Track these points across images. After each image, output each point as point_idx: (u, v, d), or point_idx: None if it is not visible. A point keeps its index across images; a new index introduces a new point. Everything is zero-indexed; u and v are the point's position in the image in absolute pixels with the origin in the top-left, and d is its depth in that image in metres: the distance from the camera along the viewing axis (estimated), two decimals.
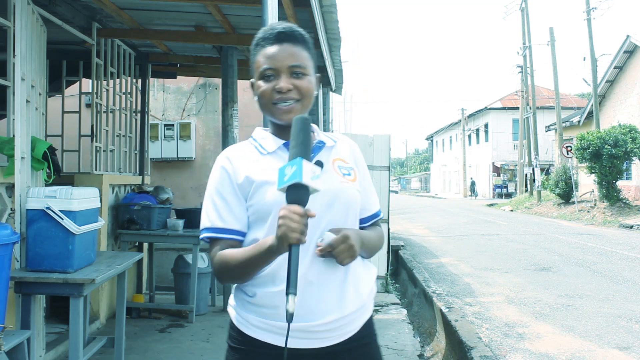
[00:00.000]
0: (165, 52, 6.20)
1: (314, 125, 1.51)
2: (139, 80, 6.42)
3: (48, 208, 3.16)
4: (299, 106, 1.42)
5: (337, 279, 1.39)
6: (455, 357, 4.26)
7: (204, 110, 8.59)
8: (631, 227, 13.68)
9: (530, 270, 7.63)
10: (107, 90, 5.56)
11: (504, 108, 38.34)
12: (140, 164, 6.37)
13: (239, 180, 1.42)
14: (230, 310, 1.49)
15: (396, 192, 57.52)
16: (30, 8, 3.65)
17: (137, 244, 5.97)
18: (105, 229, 5.18)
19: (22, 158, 3.39)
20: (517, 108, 32.79)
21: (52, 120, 5.39)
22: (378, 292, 3.15)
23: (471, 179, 40.99)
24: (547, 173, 26.02)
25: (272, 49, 1.43)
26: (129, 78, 6.10)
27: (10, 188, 3.40)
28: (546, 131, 28.25)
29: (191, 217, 5.69)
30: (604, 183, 16.55)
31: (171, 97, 8.65)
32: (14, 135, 3.34)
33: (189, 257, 5.63)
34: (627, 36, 19.81)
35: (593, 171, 16.70)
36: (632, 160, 16.85)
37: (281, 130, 1.46)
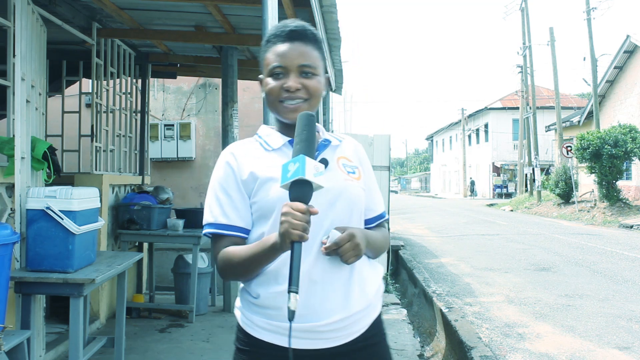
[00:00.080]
0: (165, 52, 6.20)
1: (319, 125, 1.51)
2: (139, 80, 6.42)
3: (48, 208, 3.16)
4: (305, 105, 1.42)
5: (342, 278, 1.38)
6: (455, 357, 4.26)
7: (204, 110, 8.59)
8: (631, 227, 13.68)
9: (530, 270, 7.63)
10: (107, 90, 5.56)
11: (504, 108, 38.34)
12: (140, 164, 6.37)
13: (243, 177, 1.41)
14: (237, 311, 1.48)
15: (396, 192, 57.51)
16: (30, 8, 3.65)
17: (137, 244, 5.97)
18: (105, 229, 5.18)
19: (22, 158, 3.39)
20: (517, 108, 32.79)
21: (52, 120, 5.39)
22: None
23: (470, 178, 40.99)
24: (547, 173, 26.02)
25: (282, 47, 1.43)
26: (129, 78, 6.10)
27: (10, 188, 3.40)
28: (546, 131, 28.25)
29: (191, 217, 5.68)
30: (604, 183, 16.55)
31: (171, 97, 8.65)
32: (14, 135, 3.34)
33: (189, 257, 5.63)
34: (627, 36, 19.81)
35: (593, 171, 16.70)
36: (632, 160, 16.85)
37: (286, 128, 1.45)
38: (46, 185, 3.71)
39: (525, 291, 6.23)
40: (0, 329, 2.58)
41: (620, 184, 17.00)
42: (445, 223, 16.17)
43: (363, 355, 1.42)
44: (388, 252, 7.43)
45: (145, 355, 4.28)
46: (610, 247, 10.11)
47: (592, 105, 20.64)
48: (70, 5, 4.71)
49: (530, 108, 25.91)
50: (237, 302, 1.49)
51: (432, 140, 59.41)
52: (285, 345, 1.32)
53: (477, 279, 7.01)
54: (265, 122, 2.73)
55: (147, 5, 4.65)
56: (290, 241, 1.21)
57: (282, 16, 3.53)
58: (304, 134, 1.28)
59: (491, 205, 26.87)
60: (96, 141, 5.19)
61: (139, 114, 6.40)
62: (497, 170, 38.12)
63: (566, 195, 19.47)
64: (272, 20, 2.77)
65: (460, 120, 43.51)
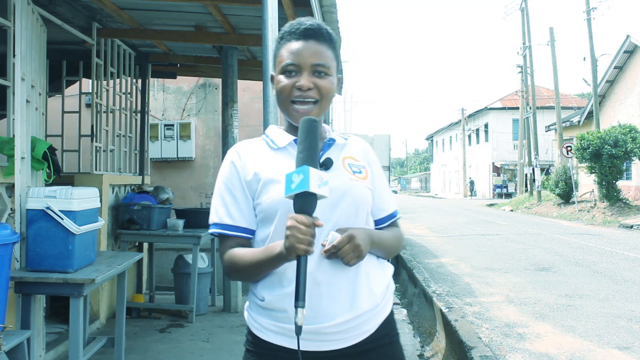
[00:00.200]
0: (165, 52, 6.20)
1: (325, 125, 1.51)
2: (139, 80, 6.42)
3: (48, 208, 3.16)
4: (316, 109, 1.41)
5: (348, 278, 1.36)
6: (455, 357, 4.26)
7: (204, 110, 8.59)
8: (631, 227, 13.68)
9: (530, 270, 7.63)
10: (107, 90, 5.56)
11: (504, 108, 38.34)
12: (140, 164, 6.37)
13: (248, 177, 1.41)
14: (245, 314, 1.49)
15: (396, 192, 57.52)
16: (30, 8, 3.65)
17: (137, 244, 5.97)
18: (105, 229, 5.18)
19: (22, 158, 3.39)
20: (517, 108, 32.78)
21: (52, 120, 5.39)
22: None
23: (470, 178, 41.00)
24: (547, 173, 26.01)
25: (297, 45, 1.41)
26: (129, 78, 6.10)
27: (10, 188, 3.40)
28: (546, 131, 28.25)
29: (191, 217, 5.69)
30: (604, 183, 16.54)
31: (171, 97, 8.65)
32: (14, 135, 3.34)
33: (189, 257, 5.63)
34: (627, 36, 19.81)
35: (593, 171, 16.70)
36: (632, 160, 16.85)
37: (294, 128, 1.44)
38: (46, 185, 3.71)
39: (525, 291, 6.23)
40: (0, 329, 2.58)
41: (620, 184, 17.00)
42: (445, 223, 16.17)
43: (373, 357, 1.41)
44: None
45: (145, 355, 4.28)
46: (610, 247, 10.11)
47: (592, 105, 20.64)
48: (70, 5, 4.71)
49: (530, 108, 25.91)
50: (246, 304, 1.50)
51: (432, 140, 59.41)
52: (292, 347, 1.33)
53: (477, 279, 7.01)
54: (265, 122, 2.73)
55: (147, 5, 4.66)
56: (296, 255, 1.22)
57: (282, 16, 3.53)
58: (307, 141, 1.27)
59: (491, 205, 26.86)
60: (96, 141, 5.19)
61: (139, 114, 6.40)
62: (497, 170, 38.12)
63: (566, 195, 19.47)
64: (272, 20, 2.77)
65: (460, 120, 43.51)
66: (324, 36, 1.43)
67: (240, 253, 1.38)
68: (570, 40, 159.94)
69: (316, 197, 1.23)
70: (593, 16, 20.47)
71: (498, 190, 36.89)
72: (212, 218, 1.44)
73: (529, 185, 26.56)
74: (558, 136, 22.91)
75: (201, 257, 5.71)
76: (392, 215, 1.55)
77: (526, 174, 27.82)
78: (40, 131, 3.97)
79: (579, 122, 23.54)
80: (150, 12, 4.87)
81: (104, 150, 5.39)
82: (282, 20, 2.45)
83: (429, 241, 11.47)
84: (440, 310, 5.16)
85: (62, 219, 3.16)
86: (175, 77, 7.47)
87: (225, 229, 1.41)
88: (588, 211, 16.96)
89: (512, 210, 22.85)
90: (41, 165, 3.61)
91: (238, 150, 1.47)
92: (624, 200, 16.56)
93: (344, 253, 1.30)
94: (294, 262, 1.24)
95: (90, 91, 5.61)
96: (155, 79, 7.99)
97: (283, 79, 1.41)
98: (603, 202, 16.75)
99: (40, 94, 3.92)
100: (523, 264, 8.17)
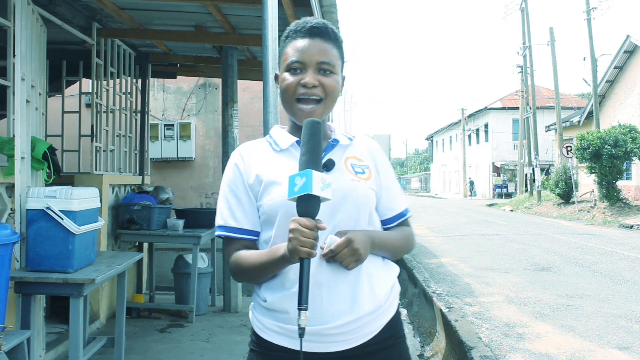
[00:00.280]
0: (165, 52, 6.20)
1: (330, 124, 1.51)
2: (139, 80, 6.42)
3: (48, 208, 3.16)
4: (320, 108, 1.40)
5: (349, 280, 1.36)
6: (455, 357, 4.26)
7: (204, 110, 8.59)
8: (631, 227, 13.68)
9: (530, 270, 7.63)
10: (107, 90, 5.56)
11: (504, 108, 38.34)
12: (140, 164, 6.37)
13: (250, 179, 1.42)
14: (250, 314, 1.49)
15: None
16: (30, 8, 3.65)
17: (137, 244, 5.97)
18: (105, 229, 5.18)
19: (22, 158, 3.39)
20: (517, 108, 32.78)
21: (52, 120, 5.39)
22: None
23: (470, 179, 41.00)
24: (547, 173, 26.01)
25: (302, 42, 1.41)
26: (129, 78, 6.10)
27: (10, 188, 3.40)
28: (546, 131, 28.25)
29: (191, 217, 5.69)
30: (604, 183, 16.54)
31: (171, 97, 8.65)
32: (14, 135, 3.34)
33: (189, 257, 5.63)
34: (627, 36, 19.81)
35: (593, 171, 16.70)
36: (632, 160, 16.84)
37: (298, 129, 1.43)
38: (46, 185, 3.71)
39: (525, 291, 6.23)
40: (0, 329, 2.58)
41: (620, 184, 17.00)
42: (445, 223, 16.17)
43: (378, 358, 1.40)
44: None
45: (145, 355, 4.28)
46: (610, 247, 10.11)
47: (592, 105, 20.64)
48: (70, 5, 4.71)
49: (530, 108, 25.91)
50: (251, 305, 1.50)
51: (432, 140, 59.41)
52: (293, 347, 1.33)
53: (477, 279, 7.01)
54: (265, 122, 2.73)
55: (147, 5, 4.66)
56: (299, 257, 1.22)
57: (282, 16, 3.53)
58: (310, 143, 1.27)
59: (491, 205, 26.86)
60: (96, 141, 5.19)
61: (139, 114, 6.40)
62: (497, 170, 38.12)
63: (566, 195, 19.47)
64: (272, 20, 2.77)
65: (460, 120, 43.51)
66: (330, 35, 1.43)
67: (245, 255, 1.39)
68: (570, 40, 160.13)
69: (319, 199, 1.23)
70: (593, 16, 20.49)
71: (498, 190, 36.89)
72: (218, 220, 1.45)
73: (529, 185, 26.56)
74: (558, 136, 22.91)
75: (201, 257, 5.71)
76: (401, 215, 1.52)
77: (526, 174, 27.82)
78: (40, 131, 3.97)
79: (579, 122, 23.54)
80: (150, 12, 4.87)
81: (104, 150, 5.39)
82: (282, 20, 2.46)
83: (429, 241, 11.47)
84: (440, 310, 5.16)
85: (62, 219, 3.16)
86: (175, 77, 7.47)
87: (230, 231, 1.42)
88: (588, 211, 16.96)
89: (512, 210, 22.85)
90: (41, 165, 3.61)
91: (241, 152, 1.47)
92: (624, 200, 16.56)
93: (342, 257, 1.30)
94: (296, 264, 1.25)
95: (90, 91, 5.61)
96: (155, 79, 7.99)
97: (288, 77, 1.41)
98: (603, 202, 16.75)
99: (40, 94, 3.92)
100: (523, 264, 8.17)
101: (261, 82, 4.04)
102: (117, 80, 5.86)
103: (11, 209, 3.40)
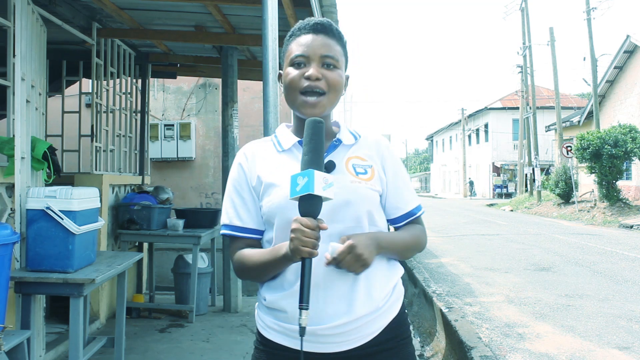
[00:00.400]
0: (165, 52, 6.20)
1: (337, 121, 1.52)
2: (139, 80, 6.42)
3: (48, 208, 3.16)
4: (324, 100, 1.40)
5: (346, 282, 1.36)
6: (455, 357, 4.26)
7: (204, 110, 8.59)
8: (631, 227, 13.68)
9: (530, 270, 7.63)
10: (107, 90, 5.56)
11: (504, 108, 38.34)
12: (140, 164, 6.37)
13: (253, 179, 1.44)
14: (255, 312, 1.51)
15: None
16: (30, 8, 3.65)
17: (137, 244, 5.97)
18: (105, 229, 5.18)
19: (22, 158, 3.39)
20: (517, 108, 32.78)
21: (52, 120, 5.39)
22: None
23: (469, 179, 40.99)
24: (547, 173, 26.02)
25: (306, 38, 1.42)
26: (129, 78, 6.10)
27: (10, 188, 3.40)
28: (546, 131, 28.25)
29: (191, 217, 5.69)
30: (604, 183, 16.54)
31: (171, 97, 8.65)
32: (14, 135, 3.34)
33: (189, 257, 5.63)
34: (627, 36, 19.81)
35: (593, 171, 16.70)
36: (632, 160, 16.84)
37: (302, 128, 1.40)
38: (46, 185, 3.71)
39: (525, 291, 6.23)
40: (0, 329, 2.58)
41: (620, 184, 17.00)
42: (445, 223, 16.17)
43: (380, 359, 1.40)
44: None
45: (145, 355, 4.28)
46: (610, 247, 10.11)
47: (592, 105, 20.64)
48: (70, 5, 4.71)
49: (530, 108, 25.91)
50: (256, 304, 1.52)
51: (432, 140, 59.41)
52: (292, 346, 1.35)
53: (477, 279, 7.01)
54: (265, 122, 2.73)
55: (147, 5, 4.66)
56: (300, 257, 1.23)
57: (282, 16, 3.53)
58: (312, 143, 1.28)
59: (491, 205, 26.85)
60: (96, 141, 5.19)
61: (139, 114, 6.40)
62: (497, 170, 38.12)
63: (566, 195, 19.47)
64: (272, 20, 2.77)
65: (460, 120, 43.51)
66: (334, 32, 1.44)
67: (248, 254, 1.41)
68: (570, 40, 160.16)
69: (321, 199, 1.24)
70: (593, 16, 20.48)
71: (498, 190, 36.89)
72: (223, 219, 1.47)
73: (529, 185, 26.55)
74: (558, 136, 22.91)
75: (201, 257, 5.71)
76: (410, 214, 1.49)
77: (526, 174, 27.82)
78: (40, 131, 3.97)
79: (579, 122, 23.54)
80: (150, 12, 4.87)
81: (104, 150, 5.39)
82: (282, 20, 2.46)
83: (428, 241, 11.44)
84: (440, 310, 5.16)
85: (62, 219, 3.16)
86: (175, 77, 7.47)
87: (234, 230, 1.44)
88: (588, 211, 16.96)
89: (512, 210, 22.85)
90: (41, 165, 3.61)
91: (245, 151, 1.49)
92: (624, 200, 16.56)
93: (346, 264, 1.29)
94: (296, 265, 1.26)
95: (90, 91, 5.61)
96: (155, 79, 7.99)
97: (292, 71, 1.41)
98: (603, 202, 16.75)
99: (40, 94, 3.92)
100: (523, 264, 8.17)
101: (261, 82, 4.05)
102: (117, 80, 5.86)
103: (11, 209, 3.40)
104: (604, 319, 4.98)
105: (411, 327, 5.42)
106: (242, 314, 5.68)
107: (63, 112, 6.04)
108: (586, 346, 4.18)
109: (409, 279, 7.57)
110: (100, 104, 5.39)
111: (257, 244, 1.45)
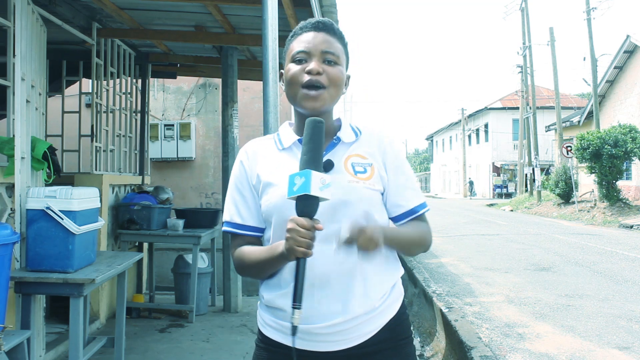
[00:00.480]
0: (165, 52, 6.20)
1: (339, 118, 1.52)
2: (139, 80, 6.42)
3: (48, 208, 3.16)
4: (326, 94, 1.40)
5: (341, 282, 1.36)
6: (455, 357, 4.26)
7: (204, 110, 8.59)
8: (631, 227, 13.68)
9: (530, 270, 7.63)
10: (107, 90, 5.56)
11: (504, 108, 38.33)
12: (140, 164, 6.37)
13: (253, 179, 1.45)
14: (257, 310, 1.53)
15: None
16: (30, 8, 3.65)
17: (137, 244, 5.97)
18: (105, 229, 5.18)
19: (22, 158, 3.39)
20: (517, 108, 32.78)
21: (52, 120, 5.39)
22: None
23: (469, 179, 40.98)
24: (547, 173, 26.01)
25: (307, 35, 1.43)
26: (129, 78, 6.10)
27: (10, 188, 3.40)
28: (546, 131, 28.24)
29: (191, 217, 5.69)
30: (604, 183, 16.54)
31: (171, 97, 8.65)
32: (14, 135, 3.34)
33: (189, 257, 5.63)
34: (627, 36, 19.80)
35: (593, 171, 16.70)
36: (632, 160, 16.84)
37: (303, 124, 1.38)
38: (46, 185, 3.71)
39: (525, 291, 6.23)
40: (0, 329, 2.58)
41: (620, 184, 16.99)
42: (445, 223, 16.17)
43: (378, 359, 1.40)
44: None
45: (145, 355, 4.28)
46: (610, 247, 10.11)
47: (592, 105, 20.64)
48: (70, 5, 4.71)
49: (530, 108, 25.91)
50: (259, 302, 1.54)
51: (432, 140, 59.40)
52: (287, 344, 1.36)
53: (477, 279, 7.01)
54: (265, 122, 2.73)
55: (147, 5, 4.66)
56: (295, 257, 1.24)
57: (282, 16, 3.53)
58: (311, 143, 1.28)
59: (491, 205, 26.85)
60: (96, 141, 5.19)
61: (139, 114, 6.40)
62: (497, 170, 38.12)
63: (566, 195, 19.47)
64: (272, 20, 2.77)
65: (460, 120, 43.50)
66: (335, 31, 1.45)
67: (247, 251, 1.42)
68: (570, 40, 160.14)
69: (318, 199, 1.24)
70: (593, 16, 20.48)
71: (498, 190, 36.89)
72: (225, 216, 1.49)
73: (529, 185, 26.55)
74: (558, 136, 22.91)
75: (201, 257, 5.71)
76: (412, 212, 1.48)
77: (526, 174, 27.82)
78: (40, 131, 3.97)
79: (579, 122, 23.54)
80: (150, 12, 4.87)
81: (104, 150, 5.39)
82: (282, 20, 2.46)
83: None
84: (440, 310, 5.16)
85: (62, 219, 3.16)
86: (175, 77, 7.48)
87: (234, 227, 1.46)
88: (588, 211, 16.96)
89: (512, 210, 22.85)
90: (41, 165, 3.61)
91: (247, 149, 1.50)
92: (624, 200, 16.56)
93: (361, 242, 1.25)
94: (291, 263, 1.27)
95: (90, 91, 5.61)
96: (155, 79, 7.99)
97: (293, 67, 1.42)
98: (603, 202, 16.75)
99: (40, 94, 3.92)
100: (523, 264, 8.17)
101: (261, 82, 4.05)
102: (117, 80, 5.86)
103: (11, 209, 3.40)
104: (604, 319, 4.98)
105: (411, 327, 5.43)
106: (242, 314, 5.68)
107: (63, 112, 6.04)
108: (586, 346, 4.18)
109: (409, 279, 7.56)
110: (100, 104, 5.39)
111: (258, 241, 1.46)
